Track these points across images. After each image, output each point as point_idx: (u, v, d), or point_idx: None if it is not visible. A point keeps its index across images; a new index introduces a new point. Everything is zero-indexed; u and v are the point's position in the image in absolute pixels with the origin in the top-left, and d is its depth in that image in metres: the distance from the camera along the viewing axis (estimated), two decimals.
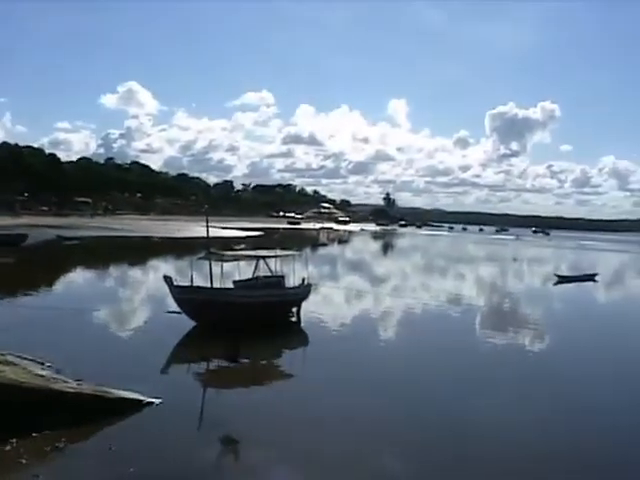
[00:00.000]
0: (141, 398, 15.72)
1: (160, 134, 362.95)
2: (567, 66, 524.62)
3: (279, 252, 31.58)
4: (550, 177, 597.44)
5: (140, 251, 72.29)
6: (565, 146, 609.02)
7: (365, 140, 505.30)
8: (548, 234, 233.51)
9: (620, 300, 49.89)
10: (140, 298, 36.64)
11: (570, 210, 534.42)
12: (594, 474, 13.69)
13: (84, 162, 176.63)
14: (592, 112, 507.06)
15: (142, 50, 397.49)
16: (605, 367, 23.77)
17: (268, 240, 75.81)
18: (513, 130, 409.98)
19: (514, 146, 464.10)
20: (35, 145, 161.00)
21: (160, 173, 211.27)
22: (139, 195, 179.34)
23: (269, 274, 29.52)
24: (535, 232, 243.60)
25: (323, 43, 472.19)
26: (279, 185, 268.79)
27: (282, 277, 29.86)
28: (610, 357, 25.63)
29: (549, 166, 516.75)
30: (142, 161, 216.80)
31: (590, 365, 24.35)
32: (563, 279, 55.65)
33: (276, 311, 28.08)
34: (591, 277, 58.07)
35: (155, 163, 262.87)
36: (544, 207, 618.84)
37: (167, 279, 25.82)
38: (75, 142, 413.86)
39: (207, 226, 27.62)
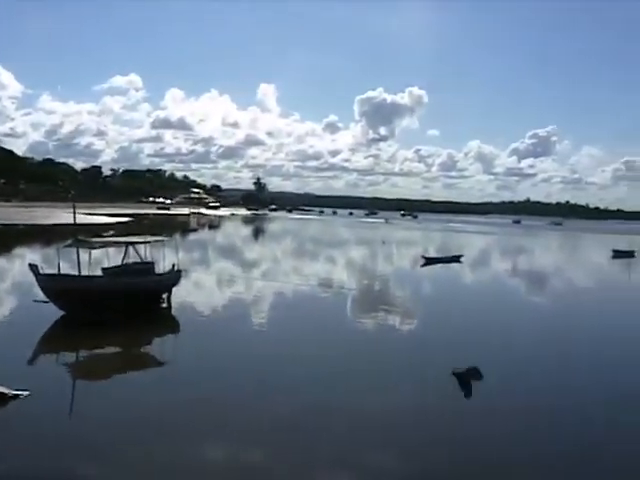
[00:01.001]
0: (6, 391, 15.33)
1: (24, 118, 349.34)
2: (434, 52, 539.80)
3: (149, 238, 31.28)
4: (418, 161, 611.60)
5: (3, 239, 69.33)
6: (432, 131, 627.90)
7: (235, 125, 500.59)
8: (416, 217, 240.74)
9: (482, 279, 52.12)
10: (4, 288, 35.31)
11: (437, 193, 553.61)
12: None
13: None
14: (458, 98, 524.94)
15: (2, 29, 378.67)
16: (467, 334, 25.07)
17: (138, 226, 74.50)
18: (382, 115, 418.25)
19: (383, 131, 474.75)
20: None
21: (25, 158, 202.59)
22: (2, 181, 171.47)
23: (139, 260, 29.23)
24: (403, 215, 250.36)
25: (192, 27, 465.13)
26: (149, 170, 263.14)
27: (152, 263, 29.64)
28: (471, 328, 27.10)
29: (417, 150, 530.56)
30: (5, 146, 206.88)
31: (457, 336, 25.49)
32: (430, 261, 57.64)
33: (146, 298, 27.82)
34: (456, 258, 60.46)
35: (19, 148, 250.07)
36: (412, 190, 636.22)
37: (33, 267, 25.07)
38: None
39: (74, 213, 27.01)
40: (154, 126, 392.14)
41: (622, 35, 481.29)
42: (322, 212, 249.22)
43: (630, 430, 15.81)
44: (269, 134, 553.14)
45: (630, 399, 18.21)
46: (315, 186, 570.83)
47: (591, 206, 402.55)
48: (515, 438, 14.89)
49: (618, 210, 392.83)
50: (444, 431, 15.06)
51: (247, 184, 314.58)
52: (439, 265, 56.38)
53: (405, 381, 18.96)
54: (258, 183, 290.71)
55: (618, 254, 76.20)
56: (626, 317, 34.52)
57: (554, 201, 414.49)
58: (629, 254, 76.09)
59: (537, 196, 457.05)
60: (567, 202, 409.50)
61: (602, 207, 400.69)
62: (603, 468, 13.57)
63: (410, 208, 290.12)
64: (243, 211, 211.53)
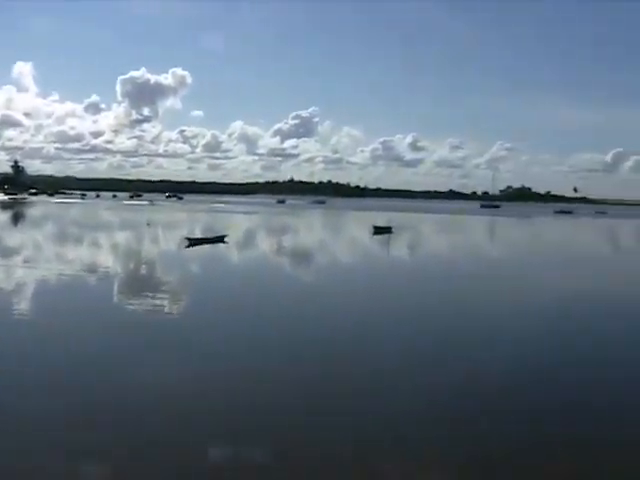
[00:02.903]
0: None
1: None
2: (193, 33, 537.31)
3: None
4: (182, 142, 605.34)
5: None
6: (196, 112, 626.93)
7: None
8: (182, 198, 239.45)
9: (245, 258, 53.64)
10: None
11: (203, 174, 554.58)
12: None
13: None
14: (221, 79, 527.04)
15: None
16: (233, 312, 26.26)
17: None
18: (145, 96, 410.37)
19: (146, 112, 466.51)
20: None
21: None
22: None
23: None
24: (169, 197, 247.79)
25: None
26: None
27: None
28: (236, 305, 28.41)
29: (181, 131, 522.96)
30: None
31: (223, 314, 26.62)
32: (194, 242, 58.34)
33: None
34: (220, 239, 61.67)
35: None
36: (177, 172, 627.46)
37: None
38: None
39: None
40: None
41: (368, 14, 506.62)
42: (84, 195, 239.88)
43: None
44: (27, 115, 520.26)
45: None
46: (77, 169, 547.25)
47: (352, 185, 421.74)
48: None
49: (378, 188, 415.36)
50: None
51: (4, 167, 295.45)
52: (205, 246, 57.18)
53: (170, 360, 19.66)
54: (16, 166, 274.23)
55: (378, 230, 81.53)
56: (389, 289, 37.38)
57: (317, 180, 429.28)
58: (387, 230, 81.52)
59: (300, 175, 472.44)
60: (329, 181, 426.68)
61: (362, 186, 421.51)
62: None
63: (175, 189, 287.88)
64: (1, 196, 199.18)
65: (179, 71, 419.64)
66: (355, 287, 37.62)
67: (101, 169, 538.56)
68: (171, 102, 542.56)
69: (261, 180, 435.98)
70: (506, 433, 14.52)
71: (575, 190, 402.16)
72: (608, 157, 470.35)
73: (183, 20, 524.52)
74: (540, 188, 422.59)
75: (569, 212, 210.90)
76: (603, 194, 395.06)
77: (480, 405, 16.36)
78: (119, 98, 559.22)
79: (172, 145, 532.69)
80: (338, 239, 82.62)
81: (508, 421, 15.31)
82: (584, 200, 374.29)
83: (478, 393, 17.36)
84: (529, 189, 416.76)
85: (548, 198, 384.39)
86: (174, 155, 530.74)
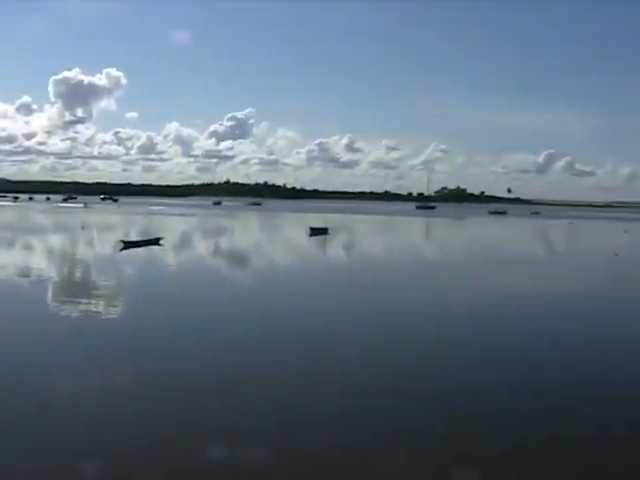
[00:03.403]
0: None
1: None
2: (126, 34, 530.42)
3: None
4: (117, 144, 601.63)
5: None
6: (131, 113, 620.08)
7: None
8: (117, 200, 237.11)
9: (181, 260, 53.37)
10: None
11: (138, 176, 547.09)
12: None
13: None
14: (157, 80, 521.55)
15: None
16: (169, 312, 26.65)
17: None
18: (78, 96, 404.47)
19: (80, 113, 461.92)
20: None
21: None
22: None
23: None
24: (104, 199, 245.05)
25: None
26: None
27: None
28: (173, 307, 28.82)
29: (116, 133, 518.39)
30: None
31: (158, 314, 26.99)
32: (128, 245, 58.14)
33: None
34: (155, 241, 61.56)
35: None
36: (112, 174, 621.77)
37: None
38: None
39: None
40: None
41: (301, 14, 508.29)
42: (17, 198, 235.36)
43: None
44: None
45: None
46: (9, 171, 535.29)
47: (288, 186, 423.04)
48: None
49: (314, 190, 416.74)
50: None
51: None
52: (140, 249, 57.00)
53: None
54: None
55: (315, 231, 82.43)
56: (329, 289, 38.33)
57: (253, 182, 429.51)
58: (324, 231, 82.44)
59: (236, 177, 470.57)
60: (265, 183, 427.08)
61: (299, 187, 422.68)
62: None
63: (111, 192, 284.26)
64: None
65: (113, 72, 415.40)
66: (290, 288, 38.29)
67: (34, 171, 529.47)
68: (105, 103, 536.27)
69: (197, 182, 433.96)
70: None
71: (509, 191, 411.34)
72: (540, 158, 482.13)
73: (117, 20, 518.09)
74: (475, 189, 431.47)
75: (503, 213, 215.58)
76: (536, 194, 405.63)
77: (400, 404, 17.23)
78: (52, 99, 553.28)
79: (106, 147, 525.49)
80: (274, 241, 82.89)
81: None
82: (518, 201, 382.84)
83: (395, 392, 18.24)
84: (464, 190, 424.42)
85: (483, 199, 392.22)
86: (108, 157, 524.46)
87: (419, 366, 20.61)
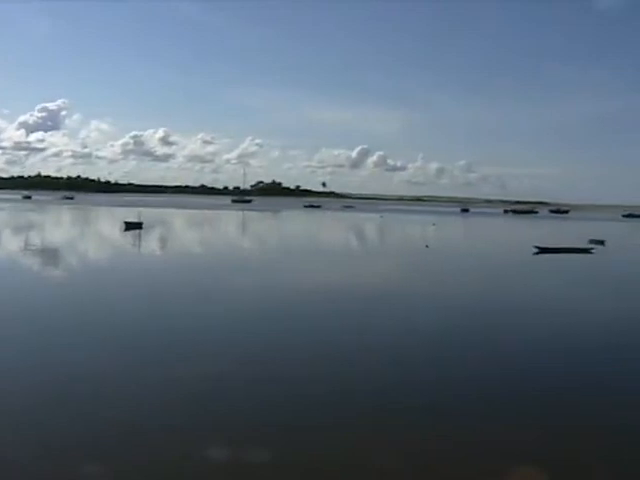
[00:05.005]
0: None
1: None
2: None
3: None
4: None
5: None
6: None
7: None
8: None
9: None
10: None
11: None
12: None
13: None
14: None
15: None
16: None
17: None
18: None
19: None
20: None
21: None
22: None
23: None
24: None
25: None
26: None
27: None
28: None
29: None
30: None
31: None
32: None
33: None
34: None
35: None
36: None
37: None
38: None
39: None
40: None
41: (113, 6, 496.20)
42: None
43: None
44: None
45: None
46: None
47: (102, 180, 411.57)
48: None
49: (129, 183, 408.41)
50: None
51: None
52: None
53: None
54: None
55: (129, 226, 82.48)
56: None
57: (66, 175, 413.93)
58: (138, 226, 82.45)
59: (48, 170, 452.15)
60: (78, 176, 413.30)
61: (113, 181, 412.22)
62: None
63: None
64: None
65: None
66: (104, 282, 38.54)
67: None
68: None
69: (5, 175, 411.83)
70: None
71: (324, 185, 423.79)
72: (354, 153, 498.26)
73: None
74: (290, 183, 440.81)
75: (318, 206, 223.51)
76: (350, 188, 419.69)
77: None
78: None
79: None
80: (88, 235, 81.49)
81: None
82: (332, 194, 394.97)
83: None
84: (279, 184, 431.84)
85: (298, 193, 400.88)
86: None
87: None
